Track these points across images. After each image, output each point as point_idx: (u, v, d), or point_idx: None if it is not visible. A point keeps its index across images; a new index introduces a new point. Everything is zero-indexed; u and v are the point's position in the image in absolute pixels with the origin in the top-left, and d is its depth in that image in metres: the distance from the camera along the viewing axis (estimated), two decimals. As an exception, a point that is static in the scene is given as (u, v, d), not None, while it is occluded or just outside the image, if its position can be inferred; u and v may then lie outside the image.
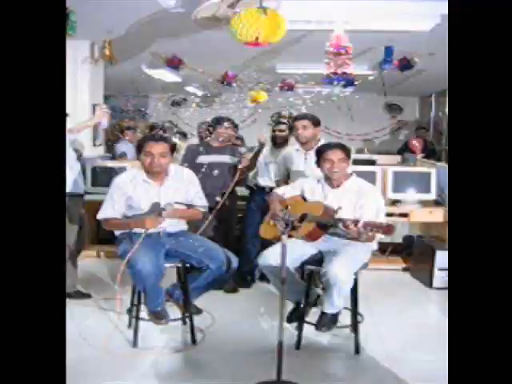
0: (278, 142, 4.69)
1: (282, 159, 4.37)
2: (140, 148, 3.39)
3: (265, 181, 4.64)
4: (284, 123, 4.77)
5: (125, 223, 3.39)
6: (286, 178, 4.30)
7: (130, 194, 3.36)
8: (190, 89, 10.82)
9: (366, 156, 7.69)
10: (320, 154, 3.39)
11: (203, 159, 4.46)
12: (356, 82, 5.97)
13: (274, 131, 4.76)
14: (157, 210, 3.27)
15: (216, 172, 4.45)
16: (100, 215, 3.41)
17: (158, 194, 3.39)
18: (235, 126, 4.65)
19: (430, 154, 8.68)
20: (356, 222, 3.02)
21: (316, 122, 4.17)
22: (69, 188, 4.11)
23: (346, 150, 3.37)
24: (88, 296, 4.28)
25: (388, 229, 2.94)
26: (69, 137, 4.07)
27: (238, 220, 4.85)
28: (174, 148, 3.48)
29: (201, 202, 3.58)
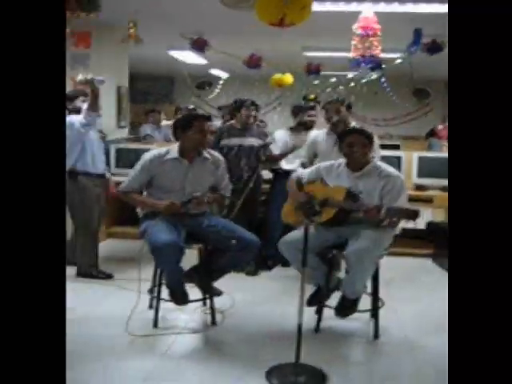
0: (309, 127, 4.67)
1: (311, 142, 4.34)
2: (186, 126, 3.39)
3: (289, 164, 4.61)
4: (313, 108, 4.76)
5: (143, 200, 3.43)
6: (313, 160, 4.28)
7: (157, 170, 3.38)
8: (215, 71, 10.79)
9: (390, 141, 7.61)
10: (341, 138, 3.36)
11: (227, 142, 4.48)
12: (383, 66, 5.86)
13: (304, 116, 4.71)
14: (180, 201, 3.29)
15: (240, 154, 4.45)
16: (121, 187, 3.46)
17: (186, 173, 3.41)
18: (257, 109, 4.64)
19: None
20: (379, 208, 2.99)
21: (347, 106, 4.19)
22: (89, 168, 4.18)
23: (366, 135, 3.33)
24: (110, 276, 4.35)
25: (413, 214, 2.90)
26: (94, 118, 4.11)
27: (263, 203, 4.85)
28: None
29: (226, 187, 3.60)
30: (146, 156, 3.46)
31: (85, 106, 4.12)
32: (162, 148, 3.60)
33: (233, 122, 4.66)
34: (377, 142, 4.10)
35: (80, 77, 3.98)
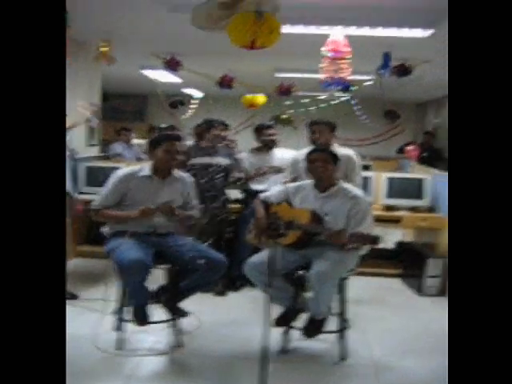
0: (270, 147, 4.71)
1: (293, 163, 4.31)
2: (156, 145, 3.43)
3: (260, 185, 4.61)
4: (271, 126, 4.83)
5: (115, 214, 3.39)
6: (295, 180, 4.27)
7: (129, 187, 3.38)
8: (189, 90, 10.80)
9: (363, 162, 7.67)
10: (307, 157, 3.39)
11: (195, 161, 4.48)
12: (353, 87, 5.95)
13: (263, 136, 4.76)
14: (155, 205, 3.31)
15: (207, 173, 4.45)
16: (93, 204, 3.41)
17: (157, 190, 3.42)
18: (226, 128, 4.66)
19: (436, 159, 8.65)
20: (341, 232, 3.01)
21: (333, 127, 4.17)
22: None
23: (331, 154, 3.36)
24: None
25: (373, 240, 2.94)
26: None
27: (230, 223, 4.83)
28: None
29: (194, 207, 3.63)
30: (119, 173, 3.46)
31: None
32: (134, 166, 3.61)
33: (202, 141, 4.66)
34: (358, 162, 4.13)
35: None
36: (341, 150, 3.97)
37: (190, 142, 6.00)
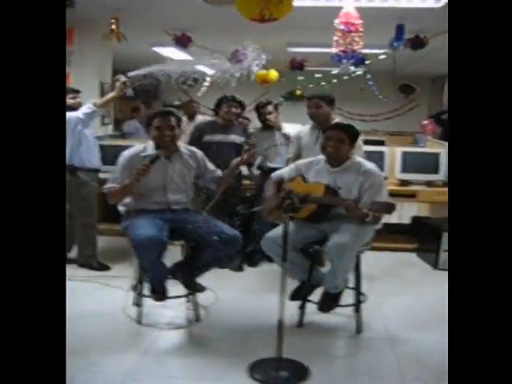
0: (269, 126, 4.67)
1: (296, 138, 4.33)
2: (149, 123, 3.43)
3: (276, 163, 4.60)
4: (266, 105, 4.70)
5: (119, 189, 3.31)
6: (299, 156, 4.27)
7: (136, 167, 3.30)
8: (200, 67, 10.75)
9: (375, 137, 7.65)
10: (324, 132, 3.38)
11: (209, 138, 4.48)
12: (366, 61, 5.89)
13: (261, 115, 4.70)
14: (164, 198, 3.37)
15: (222, 151, 4.45)
16: (105, 188, 3.41)
17: (165, 167, 3.41)
18: (241, 105, 4.63)
19: None
20: (356, 202, 3.02)
21: (329, 101, 4.14)
22: (86, 163, 4.33)
23: (345, 131, 3.32)
24: (108, 268, 4.48)
25: (387, 207, 2.93)
26: (95, 113, 4.31)
27: (245, 200, 4.84)
28: (179, 122, 3.53)
29: (211, 178, 3.63)
30: (125, 154, 3.45)
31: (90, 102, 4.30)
32: (139, 145, 3.56)
33: (216, 118, 4.66)
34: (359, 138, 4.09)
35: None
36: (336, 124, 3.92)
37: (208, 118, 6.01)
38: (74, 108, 4.27)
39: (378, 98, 10.96)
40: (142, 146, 3.52)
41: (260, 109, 4.73)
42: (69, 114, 4.16)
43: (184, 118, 6.43)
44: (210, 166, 3.64)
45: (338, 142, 3.28)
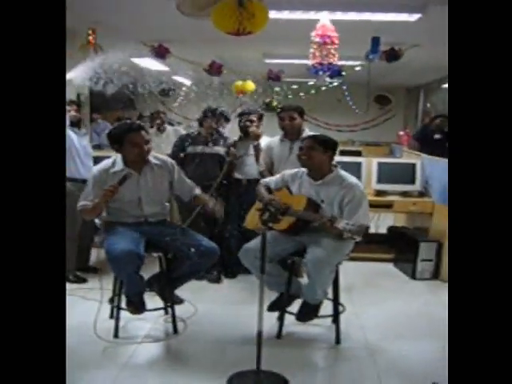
0: (248, 136, 4.58)
1: (266, 149, 4.34)
2: (120, 139, 3.31)
3: (241, 174, 4.58)
4: (248, 114, 4.59)
5: (96, 203, 3.24)
6: (270, 167, 4.28)
7: (107, 183, 3.26)
8: (178, 78, 10.76)
9: (352, 147, 7.73)
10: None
11: (191, 150, 4.47)
12: (343, 73, 5.96)
13: (243, 122, 4.58)
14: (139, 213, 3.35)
15: (205, 162, 4.45)
16: (79, 205, 3.34)
17: (137, 181, 3.36)
18: (225, 118, 4.61)
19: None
20: (333, 220, 3.03)
21: (301, 112, 4.17)
22: (74, 174, 4.28)
23: (318, 141, 3.32)
24: (84, 280, 4.41)
25: (358, 230, 2.97)
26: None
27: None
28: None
29: (188, 189, 3.58)
30: (94, 170, 3.43)
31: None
32: (108, 160, 3.46)
33: (199, 129, 4.64)
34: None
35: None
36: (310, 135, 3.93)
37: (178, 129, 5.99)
38: (73, 122, 4.29)
39: (355, 110, 11.09)
40: (111, 160, 3.43)
41: (242, 117, 4.62)
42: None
43: (152, 130, 6.43)
44: (186, 179, 3.60)
45: (308, 149, 3.28)
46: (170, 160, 3.59)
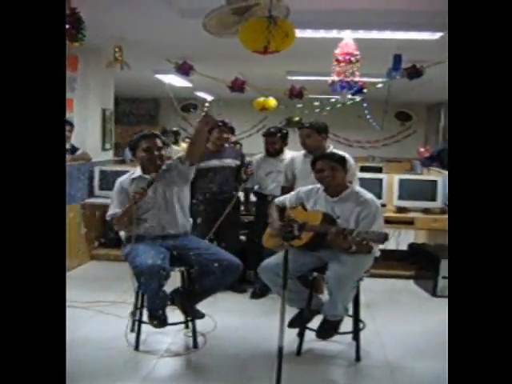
0: (272, 152, 4.67)
1: (288, 165, 4.38)
2: (135, 147, 3.51)
3: (268, 190, 4.62)
4: (274, 134, 4.66)
5: (126, 207, 3.36)
6: (292, 182, 4.31)
7: (129, 192, 3.45)
8: (200, 94, 10.89)
9: (373, 163, 7.72)
10: (312, 165, 3.41)
11: (204, 165, 4.46)
12: (364, 90, 5.98)
13: (266, 143, 4.69)
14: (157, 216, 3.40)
15: (219, 175, 4.50)
16: (107, 215, 3.50)
17: (153, 187, 3.42)
18: (231, 130, 4.66)
19: None
20: (344, 233, 3.04)
21: (319, 130, 4.19)
22: None
23: (334, 159, 3.35)
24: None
25: (379, 237, 2.97)
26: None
27: (244, 226, 4.88)
28: (164, 143, 3.63)
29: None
30: (117, 182, 3.58)
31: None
32: (130, 171, 3.67)
33: (207, 143, 4.68)
34: (353, 164, 4.13)
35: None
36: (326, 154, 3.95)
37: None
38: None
39: (375, 126, 11.09)
40: (131, 171, 3.64)
41: (265, 137, 4.70)
42: None
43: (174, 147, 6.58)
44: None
45: (331, 170, 3.30)
46: (175, 161, 3.60)
